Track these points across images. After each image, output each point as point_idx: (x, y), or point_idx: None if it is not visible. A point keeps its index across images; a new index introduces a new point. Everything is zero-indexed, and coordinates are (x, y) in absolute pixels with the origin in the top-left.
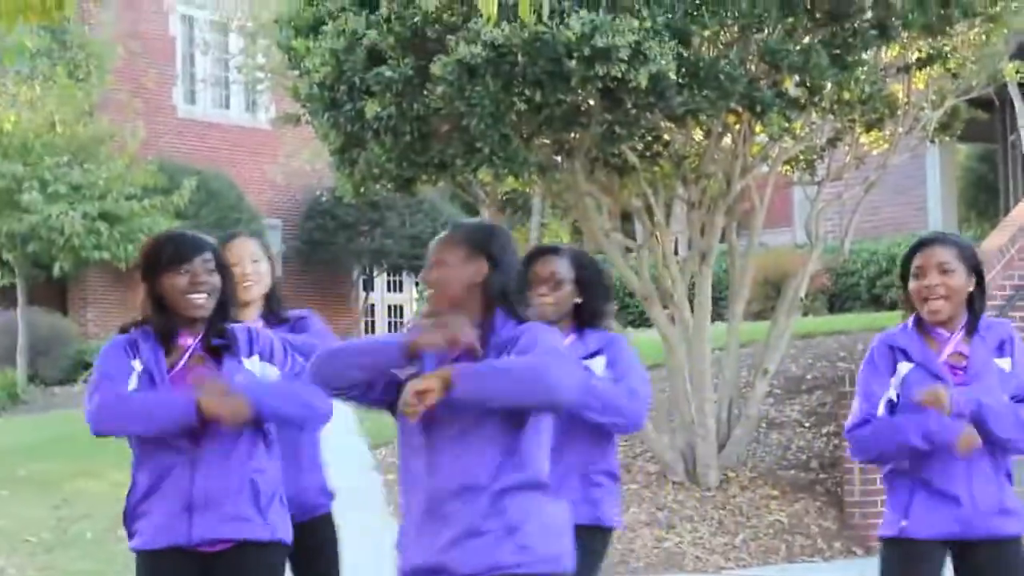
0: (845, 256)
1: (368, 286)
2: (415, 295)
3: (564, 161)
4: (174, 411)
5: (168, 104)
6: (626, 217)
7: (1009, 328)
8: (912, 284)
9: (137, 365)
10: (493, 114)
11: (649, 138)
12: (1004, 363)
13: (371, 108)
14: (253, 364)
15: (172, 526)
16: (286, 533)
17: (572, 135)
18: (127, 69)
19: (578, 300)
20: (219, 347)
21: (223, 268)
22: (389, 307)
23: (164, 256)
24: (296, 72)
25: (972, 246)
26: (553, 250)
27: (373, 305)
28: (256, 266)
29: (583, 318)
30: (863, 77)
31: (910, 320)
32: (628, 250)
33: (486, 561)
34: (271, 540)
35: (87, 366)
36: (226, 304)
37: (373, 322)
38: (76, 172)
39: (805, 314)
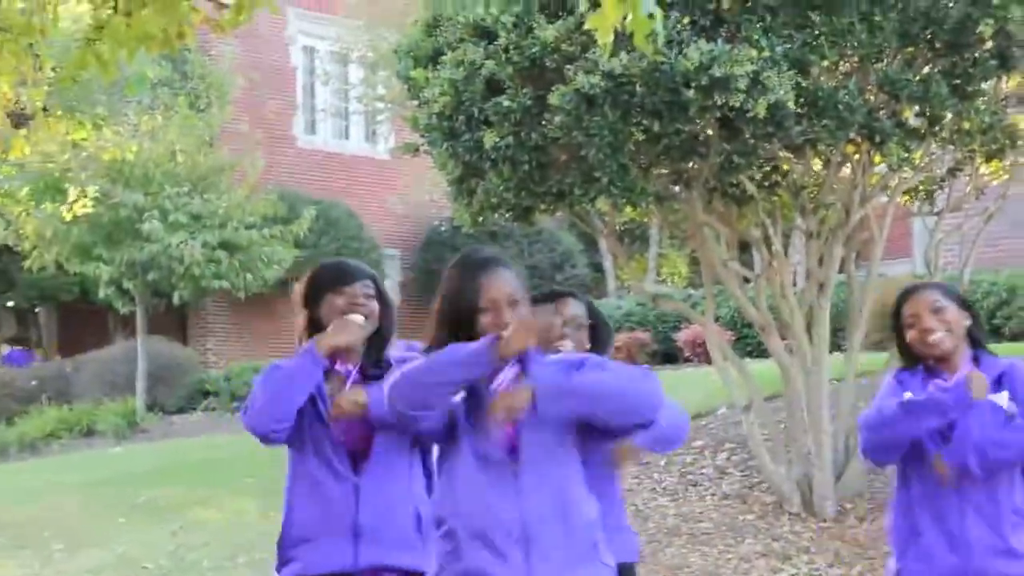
0: (965, 286)
1: None
2: None
3: (682, 191)
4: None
5: (288, 134)
6: (744, 247)
7: (1014, 364)
8: (909, 335)
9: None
10: (611, 144)
11: (767, 168)
12: (1000, 398)
13: (489, 138)
14: None
15: (336, 552)
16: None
17: (690, 165)
18: (247, 99)
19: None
20: (375, 376)
21: (383, 299)
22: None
23: (326, 279)
24: (415, 102)
25: (950, 285)
26: (571, 294)
27: None
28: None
29: None
30: (983, 107)
31: (919, 370)
32: (746, 280)
33: None
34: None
35: (206, 394)
36: (383, 334)
37: None
38: (196, 201)
39: None
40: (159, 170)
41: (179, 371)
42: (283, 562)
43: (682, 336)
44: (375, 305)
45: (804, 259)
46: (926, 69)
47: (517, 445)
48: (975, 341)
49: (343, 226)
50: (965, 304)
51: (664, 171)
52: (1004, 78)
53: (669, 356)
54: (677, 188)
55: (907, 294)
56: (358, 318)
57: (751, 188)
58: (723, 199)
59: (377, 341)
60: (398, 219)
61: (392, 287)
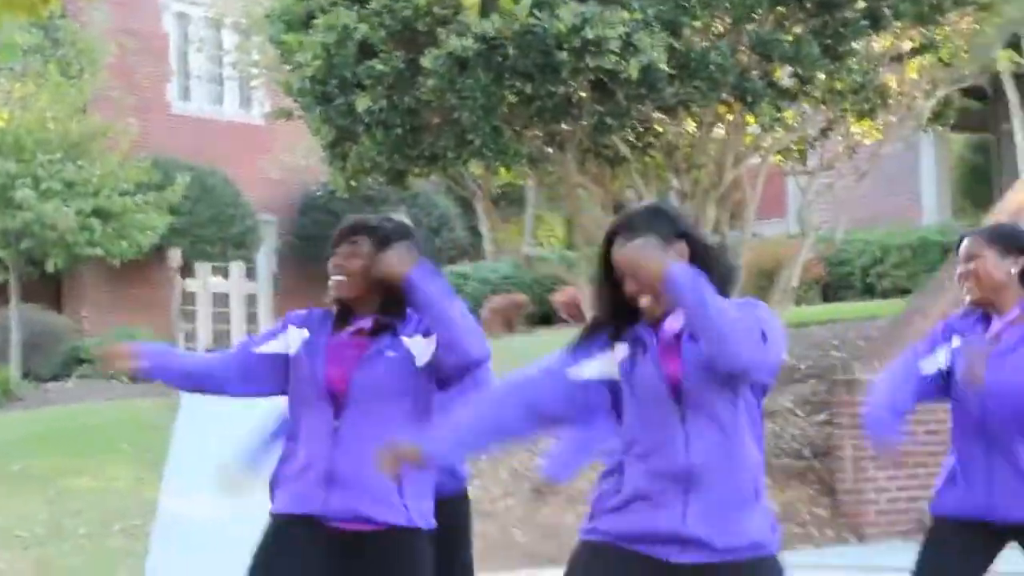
0: (838, 245)
1: None
2: None
3: (555, 153)
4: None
5: (162, 101)
6: (619, 209)
7: None
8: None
9: (304, 333)
10: (484, 106)
11: (640, 129)
12: None
13: (362, 102)
14: (416, 342)
15: (308, 495)
16: (429, 519)
17: (563, 127)
18: (120, 66)
19: None
20: (385, 325)
21: (385, 242)
22: None
23: (331, 242)
24: (288, 67)
25: (1008, 228)
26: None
27: None
28: None
29: None
30: (855, 67)
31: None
32: None
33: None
34: (410, 526)
35: (81, 362)
36: (389, 283)
37: None
38: (69, 169)
39: (798, 303)
40: (31, 137)
41: (53, 339)
42: (271, 500)
43: (558, 298)
44: (357, 263)
45: None
46: (798, 29)
47: (681, 388)
48: None
49: (218, 192)
50: (1015, 249)
51: (537, 133)
52: (875, 38)
53: (545, 318)
54: (550, 150)
55: (960, 239)
56: (333, 280)
57: (624, 149)
58: (596, 160)
59: (392, 292)
60: (274, 185)
61: (269, 253)
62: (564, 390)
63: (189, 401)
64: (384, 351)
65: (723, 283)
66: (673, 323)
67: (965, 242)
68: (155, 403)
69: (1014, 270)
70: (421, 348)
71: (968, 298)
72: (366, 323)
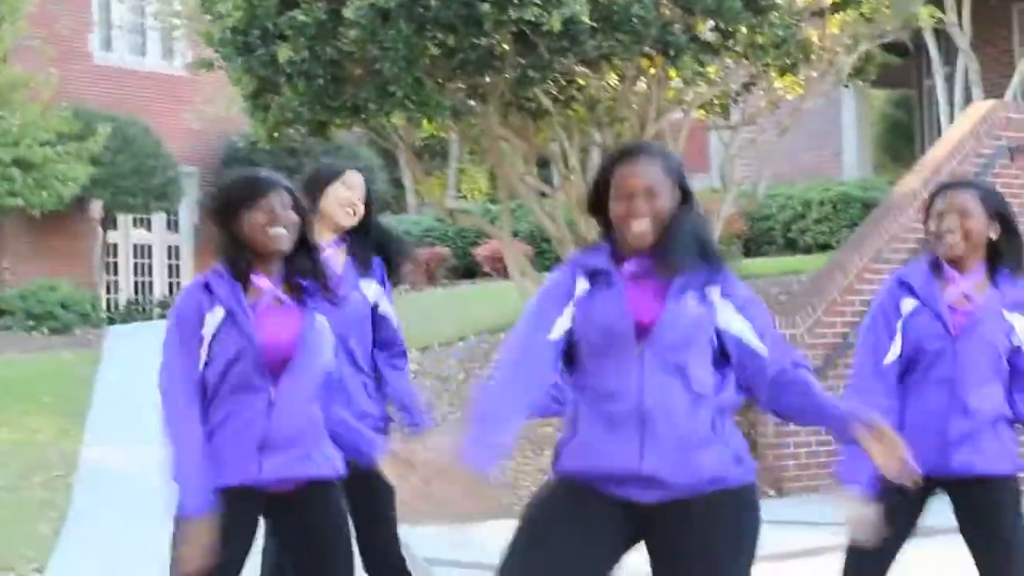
0: (759, 200)
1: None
2: None
3: (478, 105)
4: (187, 485)
5: (84, 51)
6: (542, 163)
7: None
8: (930, 224)
9: (218, 312)
10: (406, 58)
11: (563, 82)
12: (1018, 319)
13: (284, 52)
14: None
15: (243, 465)
16: (342, 466)
17: (486, 79)
18: (41, 15)
19: None
20: (298, 288)
21: (300, 208)
22: None
23: (238, 194)
24: (209, 17)
25: (994, 191)
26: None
27: None
28: (360, 200)
29: None
30: (777, 21)
31: (923, 259)
32: (543, 195)
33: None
34: (336, 476)
35: (1, 313)
36: (305, 243)
37: None
38: None
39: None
40: None
41: None
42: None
43: (481, 251)
44: (294, 216)
45: None
46: None
47: (650, 333)
48: (999, 256)
49: (140, 143)
50: (1001, 216)
51: (460, 85)
52: None
53: (468, 271)
54: (473, 102)
55: (944, 187)
56: (278, 230)
57: (547, 102)
58: (519, 113)
59: (301, 251)
60: (196, 136)
61: (191, 205)
62: (554, 358)
63: (111, 353)
64: (313, 317)
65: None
66: (644, 262)
67: (959, 195)
68: (76, 355)
69: (993, 235)
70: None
71: (947, 252)
72: (275, 285)
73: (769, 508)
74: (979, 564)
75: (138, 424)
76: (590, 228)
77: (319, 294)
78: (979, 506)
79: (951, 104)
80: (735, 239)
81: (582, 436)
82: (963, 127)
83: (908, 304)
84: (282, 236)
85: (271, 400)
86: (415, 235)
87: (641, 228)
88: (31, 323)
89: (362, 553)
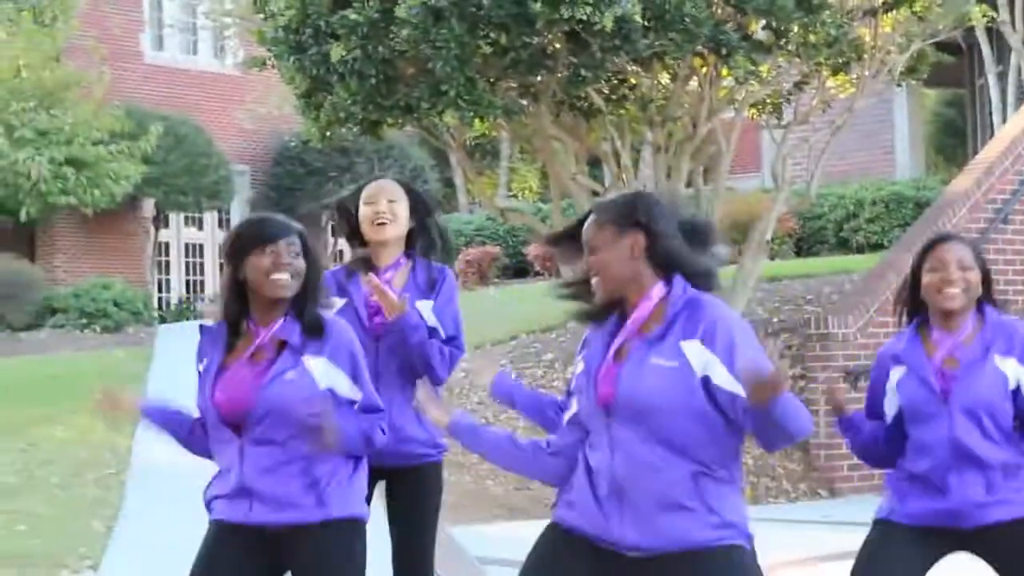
0: (812, 199)
1: (336, 232)
2: None
3: (530, 104)
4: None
5: (135, 50)
6: (594, 163)
7: (1020, 327)
8: (928, 278)
9: (202, 366)
10: (458, 57)
11: (615, 81)
12: (1007, 363)
13: (336, 51)
14: (318, 364)
15: (234, 506)
16: (347, 509)
17: (538, 78)
18: (93, 14)
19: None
20: (282, 342)
21: (310, 255)
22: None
23: (248, 237)
24: (261, 16)
25: (979, 247)
26: None
27: (340, 251)
28: (392, 206)
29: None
30: (829, 20)
31: (908, 328)
32: (595, 194)
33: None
34: (328, 519)
35: (55, 312)
36: (310, 291)
37: None
38: (43, 117)
39: (772, 257)
40: (4, 86)
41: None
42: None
43: (532, 251)
44: (302, 265)
45: (653, 172)
46: None
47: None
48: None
49: (191, 142)
50: (985, 270)
51: (512, 84)
52: None
53: (520, 270)
54: (525, 102)
55: (940, 241)
56: (283, 277)
57: (599, 101)
58: (571, 112)
59: (302, 299)
60: (247, 135)
61: (242, 203)
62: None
63: (162, 351)
64: (284, 372)
65: (691, 268)
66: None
67: (958, 248)
68: (128, 353)
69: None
70: (322, 372)
71: (948, 305)
72: (264, 340)
73: (822, 508)
74: None
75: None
76: None
77: (313, 345)
78: (1009, 551)
79: (1004, 103)
80: (787, 238)
81: (573, 494)
82: (1016, 126)
83: (897, 372)
84: (285, 283)
85: (240, 451)
86: (467, 234)
87: (594, 285)
88: (84, 321)
89: (394, 557)
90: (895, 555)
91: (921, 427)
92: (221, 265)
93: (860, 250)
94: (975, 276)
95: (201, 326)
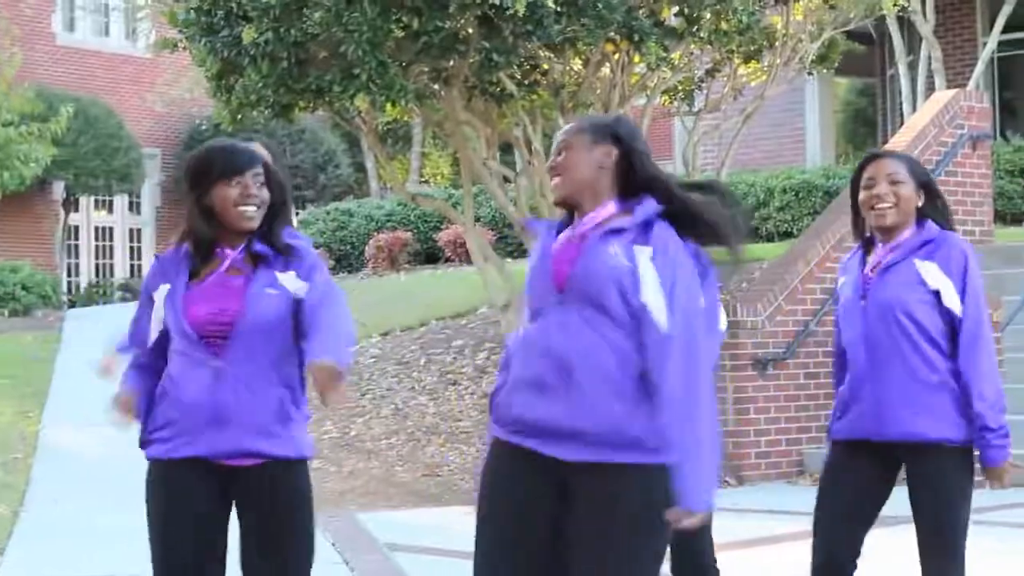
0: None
1: None
2: (294, 224)
3: (442, 89)
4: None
5: (47, 31)
6: (506, 148)
7: (951, 238)
8: (862, 195)
9: (163, 289)
10: (370, 40)
11: (527, 67)
12: (926, 266)
13: (248, 34)
14: (288, 278)
15: (194, 437)
16: (308, 448)
17: (450, 63)
18: None
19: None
20: (258, 256)
21: (273, 183)
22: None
23: (216, 168)
24: None
25: (917, 161)
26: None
27: None
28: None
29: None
30: (741, 7)
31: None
32: (506, 180)
33: None
34: (297, 457)
35: None
36: (274, 217)
37: None
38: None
39: None
40: None
41: None
42: (145, 443)
43: (443, 236)
44: (266, 194)
45: None
46: None
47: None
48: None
49: (102, 124)
50: (926, 185)
51: (424, 69)
52: None
53: (431, 256)
54: (437, 86)
55: (873, 156)
56: (249, 210)
57: (511, 87)
58: (483, 98)
59: (269, 222)
60: (159, 118)
61: (153, 187)
62: None
63: (71, 335)
64: (265, 288)
65: (665, 188)
66: (583, 226)
67: (889, 163)
68: (37, 337)
69: (919, 203)
70: (293, 285)
71: (879, 220)
72: (237, 256)
73: (731, 496)
74: (918, 528)
75: (98, 406)
76: (553, 213)
77: (281, 263)
78: (914, 473)
79: (914, 93)
80: None
81: (511, 381)
82: (925, 116)
83: (840, 281)
84: (252, 215)
85: (217, 373)
86: (377, 219)
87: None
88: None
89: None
90: (840, 474)
91: (847, 333)
92: (133, 248)
93: (770, 238)
94: (907, 190)
95: (156, 255)
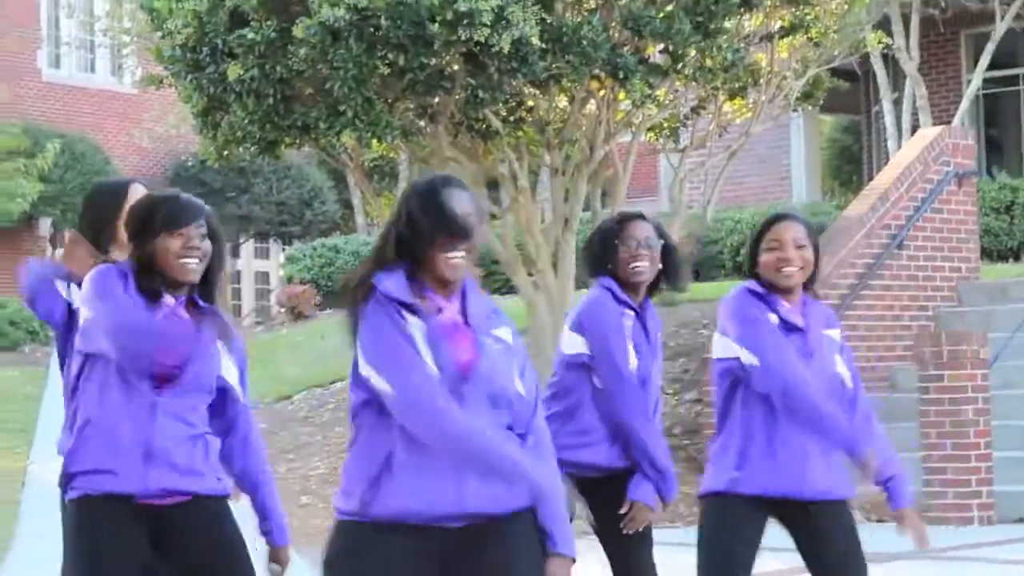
0: (707, 223)
1: (235, 253)
2: (281, 261)
3: (428, 126)
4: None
5: (32, 67)
6: (492, 184)
7: (827, 308)
8: (766, 256)
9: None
10: (356, 77)
11: (513, 103)
12: (833, 333)
13: (234, 70)
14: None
15: (127, 473)
16: (226, 486)
17: (435, 99)
18: None
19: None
20: (199, 308)
21: (214, 235)
22: (256, 273)
23: (160, 218)
24: (159, 34)
25: (813, 224)
26: (640, 216)
27: (240, 272)
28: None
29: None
30: (726, 45)
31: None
32: (493, 217)
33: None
34: (223, 494)
35: None
36: (213, 271)
37: (239, 289)
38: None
39: None
40: None
41: None
42: (68, 485)
43: None
44: (208, 247)
45: (551, 195)
46: (669, 6)
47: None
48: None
49: (89, 160)
50: (815, 246)
51: (410, 105)
52: (746, 16)
53: None
54: (423, 123)
55: (779, 218)
56: (191, 263)
57: (496, 123)
58: (469, 134)
59: (208, 278)
60: (145, 154)
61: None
62: None
63: (57, 372)
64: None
65: None
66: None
67: (792, 226)
68: (22, 373)
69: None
70: (224, 360)
71: (786, 281)
72: (179, 305)
73: (678, 534)
74: None
75: None
76: (539, 249)
77: (216, 320)
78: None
79: (899, 129)
80: (684, 262)
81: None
82: (910, 153)
83: (772, 318)
84: (193, 268)
85: (153, 406)
86: (365, 255)
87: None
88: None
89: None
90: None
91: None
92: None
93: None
94: (809, 255)
95: (119, 270)
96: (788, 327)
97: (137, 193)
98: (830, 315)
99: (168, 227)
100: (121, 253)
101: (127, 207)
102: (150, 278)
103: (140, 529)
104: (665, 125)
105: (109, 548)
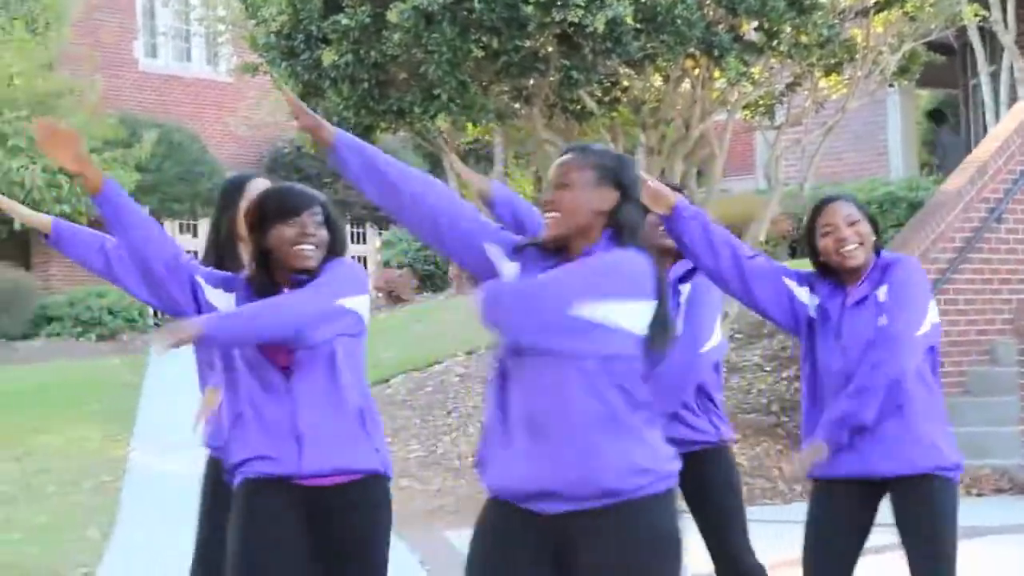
0: (805, 201)
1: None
2: (377, 245)
3: (523, 108)
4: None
5: (129, 57)
6: None
7: (901, 259)
8: (824, 242)
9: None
10: (450, 61)
11: (607, 84)
12: (881, 291)
13: (328, 56)
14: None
15: (283, 458)
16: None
17: (530, 81)
18: (87, 22)
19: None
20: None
21: (331, 222)
22: (352, 258)
23: (273, 209)
24: (253, 22)
25: (858, 199)
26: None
27: None
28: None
29: None
30: (821, 21)
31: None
32: None
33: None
34: (382, 473)
35: (49, 320)
36: (335, 256)
37: None
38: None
39: None
40: None
41: (22, 298)
42: (233, 477)
43: None
44: (325, 233)
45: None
46: None
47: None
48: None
49: (185, 149)
50: (871, 218)
51: (504, 88)
52: None
53: None
54: (517, 105)
55: (824, 203)
56: (308, 248)
57: (591, 104)
58: (563, 116)
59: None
60: (241, 141)
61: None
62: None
63: (157, 359)
64: None
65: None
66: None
67: (841, 206)
68: (124, 361)
69: (873, 238)
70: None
71: (855, 261)
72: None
73: (781, 511)
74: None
75: (185, 429)
76: None
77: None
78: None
79: (996, 102)
80: (781, 239)
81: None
82: (1008, 125)
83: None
84: (310, 255)
85: (289, 389)
86: None
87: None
88: (79, 330)
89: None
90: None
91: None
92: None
93: None
94: (865, 228)
95: (230, 278)
96: (825, 314)
97: (258, 187)
98: (891, 264)
99: (282, 216)
100: (244, 248)
101: (244, 202)
102: (265, 275)
103: (296, 513)
104: (760, 103)
105: (261, 536)
